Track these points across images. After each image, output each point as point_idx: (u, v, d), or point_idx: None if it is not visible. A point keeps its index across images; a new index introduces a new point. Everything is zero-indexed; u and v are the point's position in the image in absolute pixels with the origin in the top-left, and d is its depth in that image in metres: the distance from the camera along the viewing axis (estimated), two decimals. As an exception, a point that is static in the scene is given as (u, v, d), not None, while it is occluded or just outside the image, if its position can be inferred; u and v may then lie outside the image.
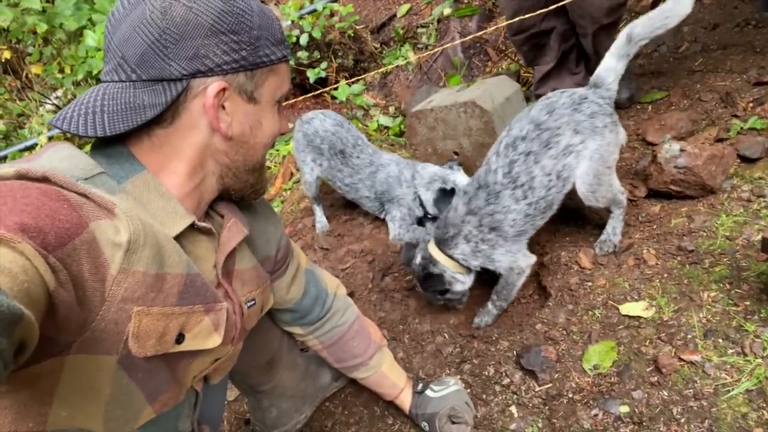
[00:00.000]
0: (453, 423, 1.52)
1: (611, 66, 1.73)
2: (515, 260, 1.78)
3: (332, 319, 1.54)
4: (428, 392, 1.58)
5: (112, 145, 0.93)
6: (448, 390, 1.57)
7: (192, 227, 0.98)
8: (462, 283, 1.86)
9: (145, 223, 0.83)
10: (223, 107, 0.96)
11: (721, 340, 1.41)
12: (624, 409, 1.38)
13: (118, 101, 0.89)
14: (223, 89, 0.93)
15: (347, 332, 1.56)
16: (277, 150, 3.82)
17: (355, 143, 2.50)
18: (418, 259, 1.87)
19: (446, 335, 1.88)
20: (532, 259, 1.81)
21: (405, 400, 1.61)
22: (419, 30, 4.30)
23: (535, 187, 1.68)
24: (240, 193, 1.11)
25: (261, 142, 1.06)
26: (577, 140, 1.65)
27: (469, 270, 1.84)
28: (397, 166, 2.43)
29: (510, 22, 2.47)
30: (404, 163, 2.44)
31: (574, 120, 1.65)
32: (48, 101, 5.59)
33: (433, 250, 1.84)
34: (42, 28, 4.14)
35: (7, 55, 4.57)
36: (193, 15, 0.88)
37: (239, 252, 1.13)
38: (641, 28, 1.66)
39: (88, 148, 0.95)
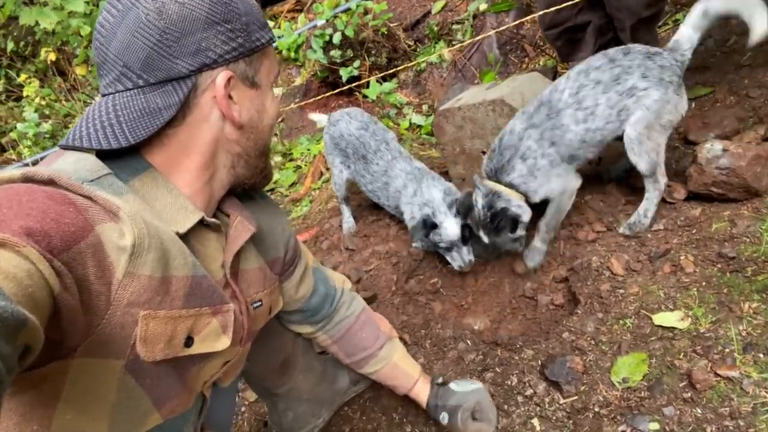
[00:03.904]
0: (475, 419, 1.46)
1: (688, 35, 1.75)
2: (568, 181, 1.85)
3: (339, 312, 1.53)
4: (452, 385, 1.52)
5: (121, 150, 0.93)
6: (474, 386, 1.51)
7: (201, 224, 0.98)
8: (527, 212, 1.86)
9: (150, 226, 0.83)
10: (231, 97, 0.97)
11: (761, 355, 1.31)
12: (654, 426, 1.30)
13: (132, 109, 0.90)
14: (230, 78, 0.95)
15: (355, 323, 1.53)
16: (308, 149, 3.82)
17: (377, 148, 2.41)
18: (480, 201, 1.84)
19: (469, 342, 1.82)
20: (580, 180, 1.88)
21: (422, 392, 1.54)
22: (454, 27, 4.22)
23: (597, 116, 1.75)
24: (251, 180, 1.12)
25: (268, 124, 1.09)
26: (642, 85, 1.71)
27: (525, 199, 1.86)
28: (405, 179, 2.28)
29: (543, 12, 2.39)
30: (413, 176, 2.28)
31: (645, 65, 1.72)
32: (93, 102, 5.79)
33: (491, 184, 1.84)
34: (86, 30, 4.28)
35: (52, 57, 4.74)
36: (188, 10, 0.89)
37: (244, 252, 1.12)
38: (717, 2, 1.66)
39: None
